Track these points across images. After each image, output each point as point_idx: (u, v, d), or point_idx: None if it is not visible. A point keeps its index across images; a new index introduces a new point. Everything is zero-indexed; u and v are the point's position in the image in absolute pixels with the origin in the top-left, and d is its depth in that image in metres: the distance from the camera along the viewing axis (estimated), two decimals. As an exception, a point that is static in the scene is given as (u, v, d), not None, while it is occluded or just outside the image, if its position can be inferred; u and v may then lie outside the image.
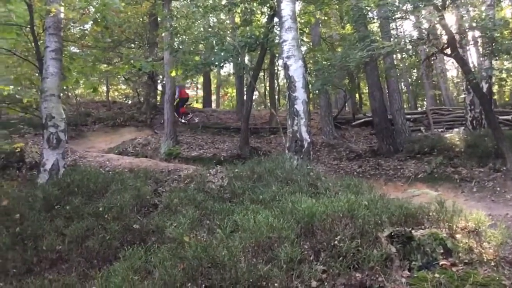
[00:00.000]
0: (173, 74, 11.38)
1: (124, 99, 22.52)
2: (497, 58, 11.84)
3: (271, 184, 5.73)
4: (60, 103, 6.75)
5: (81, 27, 10.37)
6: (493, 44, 9.23)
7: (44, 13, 6.89)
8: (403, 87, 26.92)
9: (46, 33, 6.84)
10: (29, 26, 7.31)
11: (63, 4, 7.06)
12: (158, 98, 18.85)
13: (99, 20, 7.64)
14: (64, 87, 11.14)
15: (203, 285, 3.29)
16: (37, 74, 8.63)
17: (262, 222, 3.90)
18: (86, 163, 7.78)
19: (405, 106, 24.84)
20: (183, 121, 15.53)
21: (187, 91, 17.39)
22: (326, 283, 3.49)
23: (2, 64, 9.53)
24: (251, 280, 3.26)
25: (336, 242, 3.77)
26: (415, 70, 26.03)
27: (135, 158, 9.65)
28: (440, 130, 15.50)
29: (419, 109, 24.17)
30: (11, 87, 7.40)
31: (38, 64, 7.40)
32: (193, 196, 5.39)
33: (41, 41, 7.46)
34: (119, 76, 18.56)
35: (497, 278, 3.51)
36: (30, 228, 4.56)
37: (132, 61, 9.80)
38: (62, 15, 7.05)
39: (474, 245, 3.86)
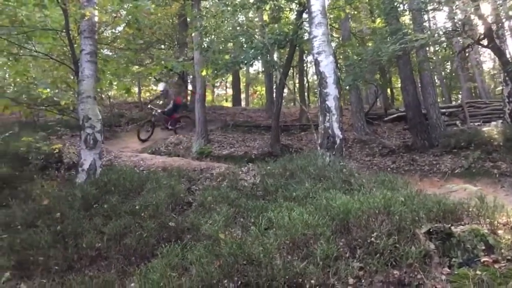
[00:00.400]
0: (204, 73, 11.48)
1: (156, 99, 22.88)
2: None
3: (304, 181, 5.70)
4: (96, 104, 6.93)
5: (113, 30, 10.60)
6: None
7: (78, 17, 7.08)
8: (436, 80, 26.24)
9: (81, 37, 7.02)
10: (64, 30, 7.52)
11: (97, 7, 7.22)
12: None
13: (131, 23, 7.79)
14: (98, 89, 11.43)
15: (239, 282, 3.31)
16: (72, 77, 8.89)
17: (296, 219, 3.89)
18: (121, 162, 7.95)
19: (439, 100, 24.23)
20: (169, 127, 14.23)
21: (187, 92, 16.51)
22: (363, 280, 3.45)
23: (39, 68, 9.86)
24: (287, 277, 3.26)
25: (372, 238, 3.72)
26: (449, 63, 25.33)
27: (167, 157, 9.78)
28: (476, 123, 15.01)
29: (454, 102, 23.50)
30: (48, 90, 7.63)
31: (74, 67, 7.60)
32: (226, 194, 5.43)
33: (76, 45, 7.66)
34: (150, 77, 18.87)
35: (543, 276, 3.38)
36: (70, 227, 4.70)
37: (163, 61, 9.93)
38: (96, 19, 7.21)
39: (517, 242, 3.73)
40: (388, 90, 21.88)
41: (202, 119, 12.19)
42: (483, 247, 3.71)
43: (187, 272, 3.47)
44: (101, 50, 9.50)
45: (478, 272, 3.45)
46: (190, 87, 19.05)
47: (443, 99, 25.86)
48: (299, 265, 3.33)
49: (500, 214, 4.10)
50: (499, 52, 9.01)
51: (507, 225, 3.98)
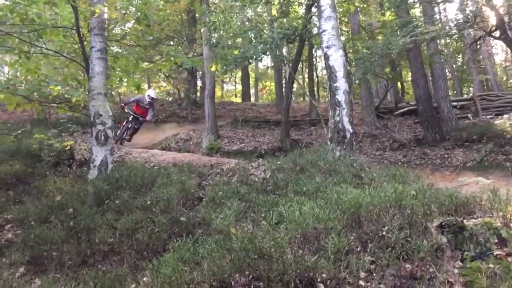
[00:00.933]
0: (213, 68, 11.50)
1: (165, 96, 23.02)
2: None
3: (314, 175, 5.69)
4: (106, 101, 6.97)
5: (123, 27, 10.66)
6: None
7: (88, 15, 7.11)
8: (448, 73, 25.96)
9: (91, 34, 7.06)
10: (74, 28, 7.57)
11: (106, 4, 7.26)
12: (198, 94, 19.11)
13: (140, 19, 7.82)
14: (109, 86, 11.52)
15: (251, 276, 3.32)
16: (83, 74, 8.96)
17: (307, 213, 3.89)
18: (132, 159, 8.00)
19: (450, 93, 24.00)
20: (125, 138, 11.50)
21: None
22: (374, 274, 3.45)
23: (50, 65, 9.95)
24: (298, 271, 3.26)
25: (384, 232, 3.70)
26: (460, 56, 25.05)
27: (178, 153, 9.85)
28: (489, 116, 14.84)
29: (465, 95, 23.25)
30: (59, 87, 7.70)
31: (84, 64, 7.66)
32: (237, 189, 5.44)
33: (86, 42, 7.71)
34: (159, 74, 18.96)
35: (557, 269, 3.34)
36: (83, 222, 4.74)
37: (172, 58, 9.96)
38: (105, 16, 7.25)
39: (531, 235, 3.68)
40: (399, 84, 21.71)
41: (211, 115, 12.23)
42: (496, 240, 3.67)
43: (199, 266, 3.49)
44: (111, 47, 9.56)
45: (491, 265, 3.42)
46: (199, 83, 19.10)
47: (455, 92, 25.58)
48: (310, 259, 3.34)
49: (514, 207, 4.05)
50: (511, 43, 8.88)
51: (521, 218, 3.93)
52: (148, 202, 5.02)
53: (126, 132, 11.25)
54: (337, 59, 7.36)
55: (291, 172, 6.08)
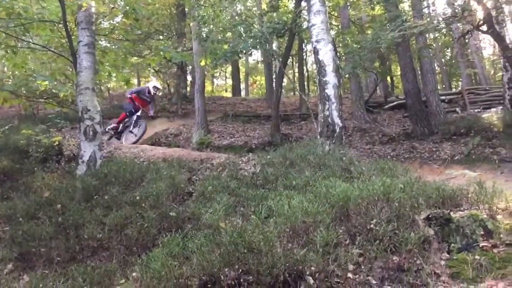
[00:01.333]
0: (203, 63, 11.45)
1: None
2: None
3: (304, 169, 5.71)
4: (95, 96, 6.91)
5: (111, 21, 10.55)
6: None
7: (75, 8, 7.04)
8: (436, 67, 26.13)
9: (79, 28, 6.98)
10: (61, 22, 7.48)
11: (93, -2, 7.19)
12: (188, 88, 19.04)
13: (129, 13, 7.75)
14: (97, 81, 11.40)
15: (240, 270, 3.33)
16: (71, 69, 8.86)
17: (296, 207, 3.91)
18: (121, 154, 7.94)
19: (439, 87, 24.16)
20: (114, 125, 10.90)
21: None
22: (363, 266, 3.48)
23: (38, 60, 9.83)
24: (287, 265, 3.28)
25: (372, 225, 3.74)
26: (448, 50, 25.21)
27: (168, 148, 9.80)
28: (476, 110, 15.01)
29: (454, 89, 23.43)
30: (47, 82, 7.61)
31: (72, 58, 7.58)
32: (227, 184, 5.44)
33: (74, 36, 7.63)
34: (149, 69, 18.83)
35: (541, 259, 3.41)
36: (71, 218, 4.72)
37: (162, 52, 9.90)
38: (93, 9, 7.17)
39: (517, 226, 3.75)
40: (388, 78, 21.84)
41: (201, 110, 12.20)
42: (482, 232, 3.73)
43: (188, 261, 3.49)
44: (99, 42, 9.47)
45: (476, 257, 3.48)
46: (189, 77, 19.01)
47: (443, 86, 25.78)
48: (299, 252, 3.36)
49: (499, 199, 4.12)
50: (498, 37, 8.97)
51: (506, 210, 4.00)
52: (138, 198, 5.00)
53: (131, 126, 10.44)
54: (326, 53, 7.38)
55: (281, 166, 6.10)
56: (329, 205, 4.02)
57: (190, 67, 17.55)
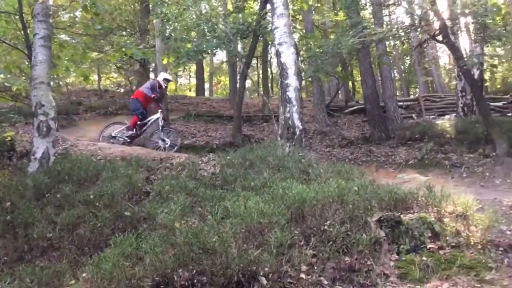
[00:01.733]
0: (165, 61, 11.30)
1: (116, 87, 22.39)
2: (488, 44, 11.89)
3: (263, 171, 5.75)
4: (49, 91, 6.69)
5: (72, 14, 10.26)
6: (485, 30, 9.25)
7: (32, 0, 6.80)
8: (396, 74, 26.95)
9: (35, 20, 6.73)
10: (18, 14, 7.21)
11: (51, -10, 6.97)
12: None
13: (88, 7, 7.55)
14: (55, 76, 11.01)
15: (194, 271, 3.31)
16: (26, 62, 8.55)
17: (252, 208, 3.92)
18: (77, 151, 7.72)
19: (398, 93, 24.90)
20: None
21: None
22: (316, 267, 3.54)
23: (-9, 52, 9.42)
24: (241, 265, 3.29)
25: (326, 227, 3.81)
26: (408, 57, 26.04)
27: (127, 146, 9.61)
28: (431, 117, 15.58)
29: (412, 96, 24.23)
30: (1, 75, 7.32)
31: (27, 51, 7.32)
32: (185, 184, 5.40)
33: (30, 29, 7.37)
34: (110, 65, 18.43)
35: (483, 261, 3.59)
36: (20, 216, 4.55)
37: (124, 48, 9.71)
38: (51, 2, 6.95)
39: (462, 229, 3.93)
40: (350, 83, 22.30)
41: (163, 108, 12.01)
42: (430, 234, 3.89)
43: (141, 261, 3.44)
44: (58, 35, 9.18)
45: (424, 258, 3.62)
46: (152, 75, 18.72)
47: (402, 92, 26.62)
48: (254, 253, 3.37)
49: (447, 203, 4.29)
50: (453, 47, 9.34)
51: (453, 213, 4.17)
52: (92, 196, 4.88)
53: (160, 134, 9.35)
54: (288, 56, 7.47)
55: (241, 167, 6.12)
56: (285, 206, 4.06)
57: (153, 65, 17.31)
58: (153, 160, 7.12)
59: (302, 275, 3.40)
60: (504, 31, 9.93)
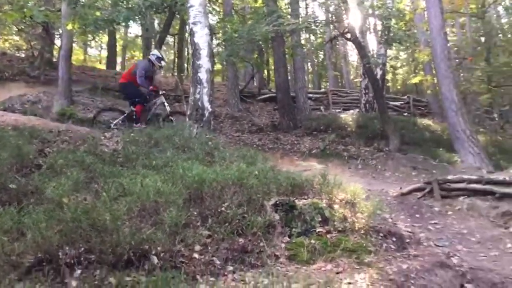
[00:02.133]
0: (69, 27, 10.50)
1: (15, 51, 20.46)
2: (393, 47, 12.79)
3: (167, 150, 5.67)
4: None
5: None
6: (388, 32, 9.93)
7: None
8: (309, 67, 27.97)
9: None
10: None
11: None
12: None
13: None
14: None
15: (82, 248, 3.18)
16: None
17: (150, 186, 3.85)
18: (-39, 117, 6.98)
19: (310, 86, 25.90)
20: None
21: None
22: (209, 247, 3.58)
23: None
24: (133, 244, 3.22)
25: (223, 208, 3.86)
26: (322, 52, 27.09)
27: (22, 115, 8.86)
28: (338, 110, 16.42)
29: (323, 89, 25.31)
30: None
31: None
32: (82, 158, 5.11)
33: None
34: (10, 25, 16.77)
35: (364, 245, 3.89)
36: None
37: (24, 9, 8.87)
38: None
39: (349, 215, 4.21)
40: (266, 71, 22.66)
41: (66, 78, 11.25)
42: (320, 219, 4.12)
43: (23, 237, 3.21)
44: None
45: (312, 241, 3.83)
46: (59, 42, 17.40)
47: (313, 85, 27.70)
48: (147, 231, 3.32)
49: (339, 191, 4.58)
50: (359, 46, 9.90)
51: (343, 200, 4.46)
52: (-30, 167, 4.43)
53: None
54: (202, 37, 7.37)
55: (145, 145, 5.97)
56: (184, 186, 4.03)
57: (61, 31, 16.09)
58: (50, 132, 6.66)
59: (195, 255, 3.42)
60: (405, 35, 10.72)
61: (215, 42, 12.53)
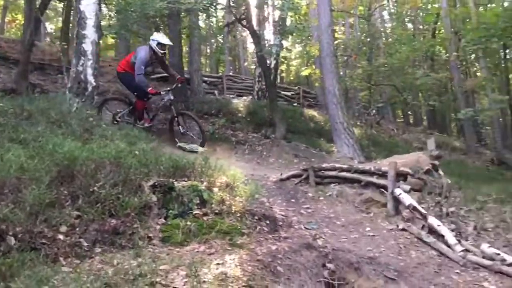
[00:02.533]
0: None
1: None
2: (285, 38, 13.22)
3: (40, 124, 5.22)
4: None
5: None
6: (283, 24, 10.23)
7: None
8: (208, 50, 27.76)
9: None
10: None
11: None
12: None
13: None
14: None
15: None
16: None
17: (12, 161, 3.51)
18: None
19: (208, 70, 25.76)
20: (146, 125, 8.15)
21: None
22: (77, 228, 3.39)
23: None
24: (-14, 223, 2.92)
25: (95, 188, 3.68)
26: (220, 36, 27.04)
27: None
28: (231, 96, 16.56)
29: (220, 74, 25.33)
30: None
31: None
32: None
33: None
34: None
35: (239, 227, 4.01)
36: None
37: None
38: None
39: (227, 198, 4.29)
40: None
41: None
42: (198, 202, 4.13)
43: None
44: None
45: (188, 223, 3.84)
46: None
47: (211, 69, 27.57)
48: (4, 210, 3.03)
49: (219, 174, 4.63)
50: (254, 34, 10.08)
51: (223, 184, 4.53)
52: None
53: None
54: (88, 5, 6.92)
55: (14, 117, 5.43)
56: (53, 163, 3.75)
57: None
58: None
59: (60, 236, 3.22)
60: (299, 28, 11.16)
61: (106, 12, 11.84)
